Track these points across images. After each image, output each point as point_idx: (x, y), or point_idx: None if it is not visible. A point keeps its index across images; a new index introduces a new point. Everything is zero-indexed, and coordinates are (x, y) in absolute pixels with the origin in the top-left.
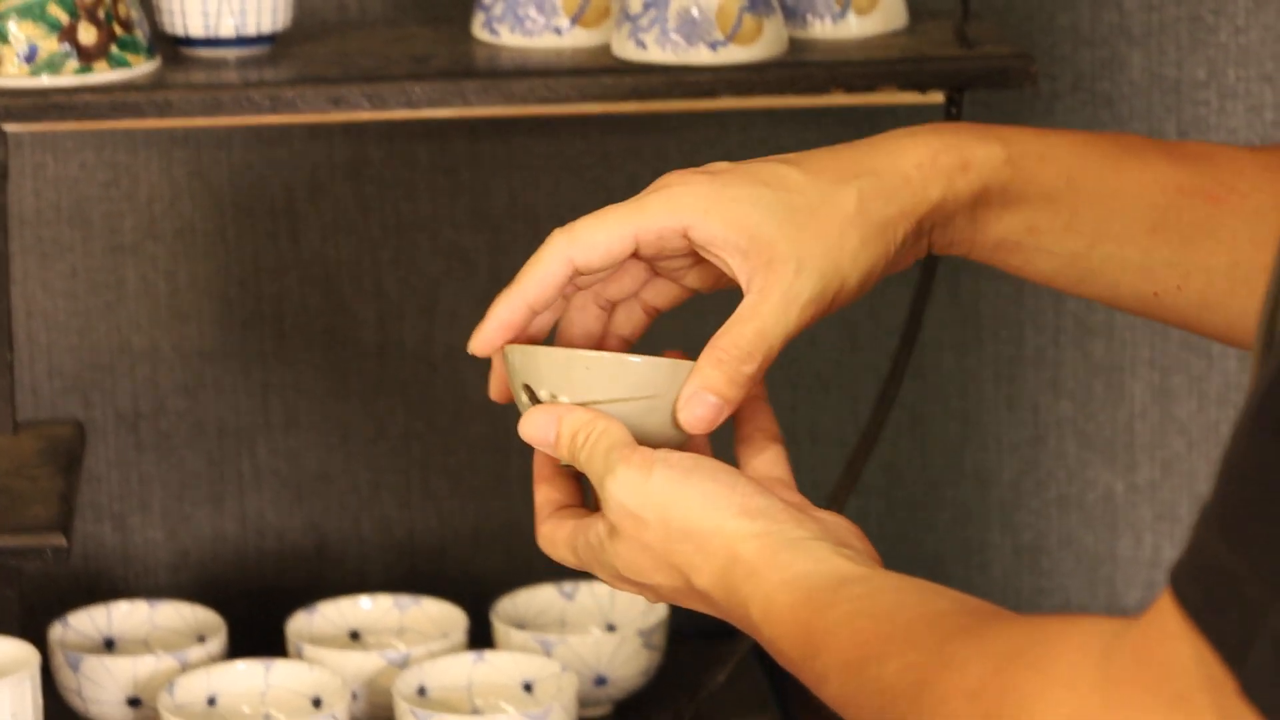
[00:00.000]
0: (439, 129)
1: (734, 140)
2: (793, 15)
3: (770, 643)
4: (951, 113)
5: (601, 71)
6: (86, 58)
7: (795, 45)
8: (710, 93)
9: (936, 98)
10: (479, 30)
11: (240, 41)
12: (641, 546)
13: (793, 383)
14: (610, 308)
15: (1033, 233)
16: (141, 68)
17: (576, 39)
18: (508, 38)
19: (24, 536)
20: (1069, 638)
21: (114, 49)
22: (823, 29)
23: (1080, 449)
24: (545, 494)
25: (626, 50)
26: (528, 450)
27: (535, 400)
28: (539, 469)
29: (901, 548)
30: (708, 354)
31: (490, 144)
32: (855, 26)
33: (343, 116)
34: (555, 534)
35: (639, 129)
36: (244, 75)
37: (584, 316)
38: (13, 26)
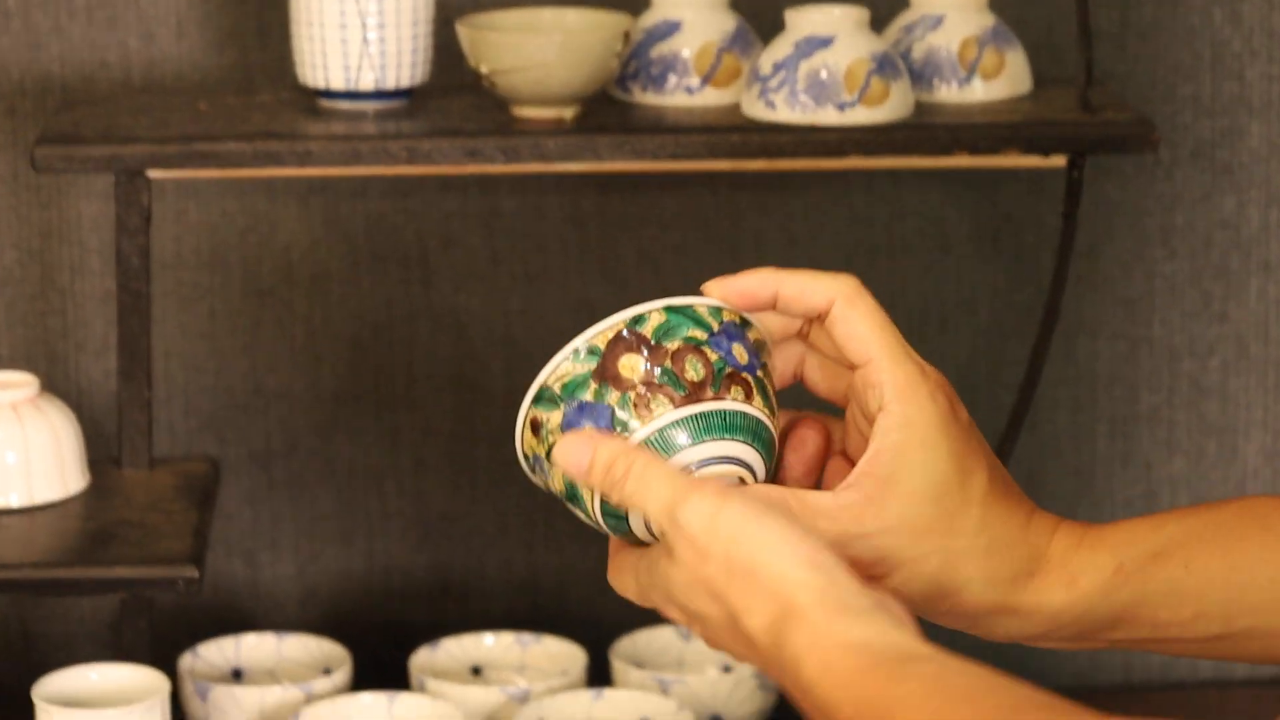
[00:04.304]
0: (570, 183)
1: (859, 199)
2: (919, 79)
3: (824, 703)
4: (1073, 175)
5: (731, 130)
6: None
7: (921, 108)
8: (837, 152)
9: (1059, 161)
10: (612, 88)
11: (379, 95)
12: (698, 576)
13: None
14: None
15: (1159, 628)
16: None
17: (707, 98)
18: (640, 96)
19: (157, 568)
20: None
21: None
22: (948, 93)
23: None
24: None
25: (756, 110)
26: None
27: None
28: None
29: None
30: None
31: (619, 198)
32: (980, 91)
33: (477, 169)
34: (623, 563)
35: (765, 186)
36: (382, 127)
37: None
38: None
